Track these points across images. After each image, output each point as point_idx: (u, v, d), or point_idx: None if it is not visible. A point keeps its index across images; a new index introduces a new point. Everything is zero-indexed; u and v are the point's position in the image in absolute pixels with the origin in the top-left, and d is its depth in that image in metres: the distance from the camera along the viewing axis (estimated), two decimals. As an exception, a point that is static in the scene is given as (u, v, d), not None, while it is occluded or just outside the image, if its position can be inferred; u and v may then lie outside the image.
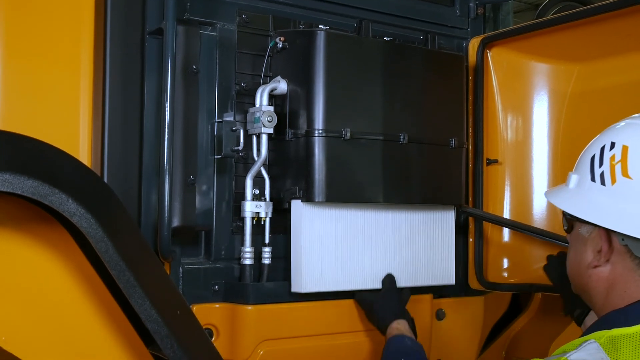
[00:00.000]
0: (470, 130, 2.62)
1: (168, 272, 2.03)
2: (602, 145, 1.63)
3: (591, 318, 2.16)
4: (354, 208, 2.24)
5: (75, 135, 1.90)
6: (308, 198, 2.13)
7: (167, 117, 1.94)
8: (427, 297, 2.44)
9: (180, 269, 2.07)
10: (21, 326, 1.73)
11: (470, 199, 2.64)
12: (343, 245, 2.20)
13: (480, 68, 2.59)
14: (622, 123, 1.68)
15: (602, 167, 1.61)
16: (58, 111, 1.89)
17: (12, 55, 1.82)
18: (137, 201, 2.00)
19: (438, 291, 2.51)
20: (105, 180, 1.91)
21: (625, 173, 1.57)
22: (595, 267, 1.62)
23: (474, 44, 2.62)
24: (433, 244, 2.41)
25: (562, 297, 2.26)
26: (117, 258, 1.65)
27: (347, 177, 2.19)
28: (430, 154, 2.36)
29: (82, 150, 1.91)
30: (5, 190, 1.52)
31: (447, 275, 2.45)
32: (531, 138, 2.62)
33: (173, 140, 1.96)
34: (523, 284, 2.53)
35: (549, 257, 2.30)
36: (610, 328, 1.52)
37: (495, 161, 2.63)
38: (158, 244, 1.95)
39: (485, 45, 2.58)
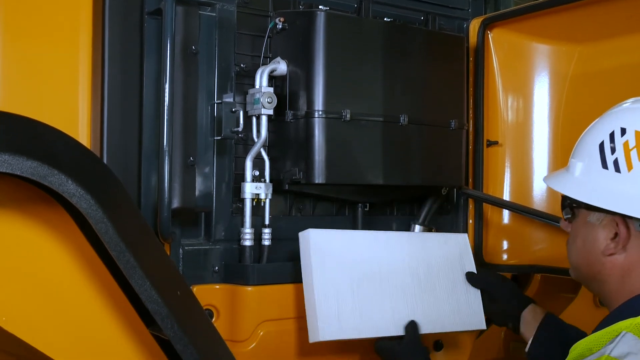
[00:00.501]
0: (471, 112, 2.61)
1: (168, 254, 2.03)
2: (610, 132, 1.62)
3: (526, 325, 2.17)
4: (366, 249, 2.13)
5: (75, 116, 1.90)
6: (308, 179, 2.13)
7: (167, 98, 1.94)
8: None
9: (180, 250, 2.08)
10: (21, 307, 1.73)
11: (470, 180, 2.64)
12: (360, 292, 2.07)
13: (480, 49, 2.58)
14: (626, 107, 1.67)
15: (615, 153, 1.61)
16: (57, 92, 1.88)
17: (10, 36, 1.80)
18: (137, 183, 2.00)
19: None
20: (105, 161, 1.91)
21: None
22: (611, 254, 1.62)
23: (474, 25, 2.60)
24: (455, 285, 2.25)
25: (492, 315, 2.27)
26: (117, 239, 1.65)
27: (347, 159, 2.19)
28: (430, 136, 2.36)
29: (82, 131, 1.90)
30: (4, 171, 1.51)
31: (477, 320, 2.26)
32: (532, 120, 2.62)
33: (172, 122, 1.95)
34: (523, 265, 2.54)
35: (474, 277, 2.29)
36: (636, 315, 1.52)
37: (496, 143, 2.62)
38: (158, 225, 1.95)
39: (486, 26, 2.57)
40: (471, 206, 2.65)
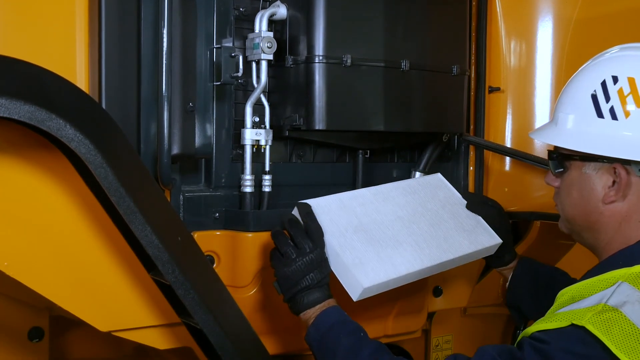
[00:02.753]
0: (473, 58, 2.59)
1: (169, 200, 2.03)
2: (601, 81, 1.64)
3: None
4: (362, 207, 2.07)
5: (72, 61, 1.88)
6: (308, 125, 2.12)
7: (165, 44, 1.91)
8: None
9: (181, 196, 2.07)
10: (23, 252, 1.74)
11: (472, 127, 2.63)
12: (375, 244, 2.00)
13: (484, -7, 2.55)
14: (613, 55, 1.69)
15: (611, 101, 1.63)
16: (54, 36, 1.85)
17: (5, -22, 1.78)
18: (136, 129, 1.98)
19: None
20: (104, 107, 1.89)
21: (639, 103, 1.60)
22: (611, 202, 1.64)
23: (478, -32, 2.56)
24: (455, 216, 2.22)
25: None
26: (117, 184, 1.64)
27: (347, 105, 2.17)
28: (431, 81, 2.34)
29: (79, 76, 1.88)
30: (1, 115, 1.50)
31: (490, 237, 2.22)
32: (534, 65, 2.59)
33: (171, 67, 1.93)
34: (522, 212, 2.55)
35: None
36: (630, 264, 1.55)
37: (498, 89, 2.61)
38: (158, 172, 1.94)
39: (489, -31, 2.52)
40: (472, 153, 2.65)
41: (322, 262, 1.86)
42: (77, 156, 1.62)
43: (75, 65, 1.89)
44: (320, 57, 2.10)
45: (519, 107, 2.62)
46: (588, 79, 1.69)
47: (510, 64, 2.61)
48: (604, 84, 1.64)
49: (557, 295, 1.65)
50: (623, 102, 1.61)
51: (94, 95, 1.88)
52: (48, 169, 1.74)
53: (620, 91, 1.62)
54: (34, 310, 2.31)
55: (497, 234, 2.23)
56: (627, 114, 1.61)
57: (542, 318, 1.56)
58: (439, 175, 2.36)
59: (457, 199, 2.28)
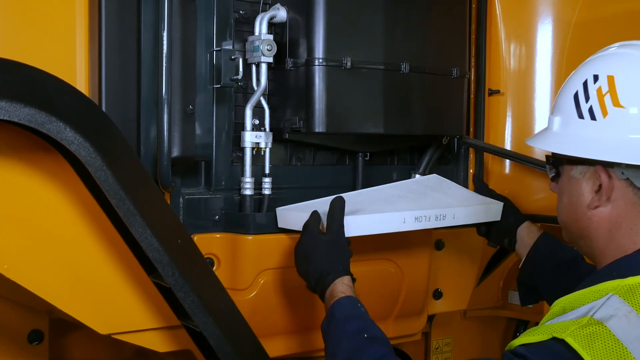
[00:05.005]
0: (473, 60, 2.59)
1: (169, 203, 2.03)
2: (583, 81, 1.59)
3: (521, 243, 2.22)
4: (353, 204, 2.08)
5: (72, 63, 1.88)
6: (308, 128, 2.12)
7: (165, 46, 1.91)
8: (427, 227, 2.44)
9: (181, 199, 2.07)
10: (23, 254, 1.74)
11: (472, 129, 2.63)
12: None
13: (483, -5, 2.55)
14: (597, 55, 1.64)
15: (590, 101, 1.58)
16: (54, 39, 1.85)
17: (6, -19, 1.78)
18: (136, 132, 1.98)
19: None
20: (104, 110, 1.89)
21: (616, 103, 1.54)
22: (596, 207, 1.58)
23: (477, -29, 2.56)
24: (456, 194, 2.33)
25: (488, 231, 2.35)
26: (117, 187, 1.64)
27: (347, 107, 2.17)
28: (431, 84, 2.34)
29: (79, 78, 1.88)
30: (2, 118, 1.50)
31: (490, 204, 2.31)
32: (534, 68, 2.59)
33: (171, 69, 1.93)
34: (523, 214, 2.54)
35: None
36: (623, 276, 1.48)
37: (497, 92, 2.61)
38: (158, 174, 1.94)
39: (489, -28, 2.53)
40: (472, 156, 2.65)
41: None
42: (77, 159, 1.62)
43: (75, 67, 1.89)
44: (320, 60, 2.10)
45: (519, 110, 2.62)
46: (573, 79, 1.64)
47: (510, 66, 2.61)
48: (585, 84, 1.59)
49: (552, 305, 1.57)
50: (601, 102, 1.55)
51: (94, 98, 1.88)
52: (48, 172, 1.74)
53: (599, 90, 1.56)
54: (34, 312, 2.31)
55: (507, 219, 2.28)
56: (604, 113, 1.55)
57: (530, 329, 1.50)
58: (434, 175, 2.41)
59: (458, 187, 2.34)
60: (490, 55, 2.60)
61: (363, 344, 1.67)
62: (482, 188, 2.43)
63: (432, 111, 2.38)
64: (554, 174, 1.70)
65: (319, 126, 2.12)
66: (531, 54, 2.59)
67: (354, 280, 1.85)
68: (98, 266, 1.85)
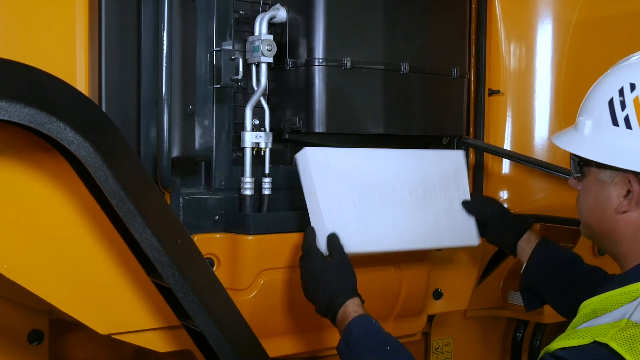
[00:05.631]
0: (473, 60, 2.59)
1: (169, 203, 2.03)
2: (619, 88, 1.58)
3: (522, 252, 2.23)
4: (364, 165, 2.14)
5: (72, 64, 1.88)
6: (308, 128, 2.12)
7: (165, 46, 1.91)
8: (427, 227, 2.44)
9: (181, 199, 2.07)
10: (23, 254, 1.74)
11: (472, 129, 2.63)
12: (362, 207, 2.09)
13: (483, -5, 2.55)
14: (634, 61, 1.62)
15: (626, 110, 1.57)
16: (54, 39, 1.86)
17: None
18: (136, 132, 1.98)
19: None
20: (103, 110, 1.89)
21: None
22: (624, 212, 1.59)
23: (477, -29, 2.56)
24: (451, 202, 2.28)
25: (489, 241, 2.34)
26: (117, 187, 1.64)
27: (347, 108, 2.17)
28: (431, 84, 2.34)
29: (79, 79, 1.89)
30: (2, 118, 1.50)
31: (470, 236, 2.29)
32: (534, 68, 2.59)
33: (171, 70, 1.93)
34: (522, 214, 2.54)
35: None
36: None
37: (498, 92, 2.61)
38: (158, 175, 1.94)
39: (489, -28, 2.53)
40: (472, 156, 2.65)
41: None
42: (77, 159, 1.62)
43: (75, 67, 1.89)
44: (320, 60, 2.10)
45: (519, 110, 2.62)
46: (608, 84, 1.63)
47: (510, 66, 2.61)
48: (621, 91, 1.58)
49: (580, 307, 1.59)
50: (638, 111, 1.55)
51: (94, 98, 1.88)
52: (48, 172, 1.74)
53: (636, 99, 1.55)
54: (34, 312, 2.31)
55: (496, 230, 2.27)
56: None
57: (563, 334, 1.51)
58: (461, 153, 2.37)
59: (462, 185, 2.30)
60: (490, 55, 2.60)
61: (388, 356, 1.71)
62: (474, 201, 2.34)
63: (432, 111, 2.37)
64: (579, 174, 1.71)
65: (319, 126, 2.12)
66: (531, 54, 2.59)
67: (362, 301, 1.89)
68: (98, 266, 1.85)
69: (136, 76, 1.96)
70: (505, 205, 2.58)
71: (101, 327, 1.89)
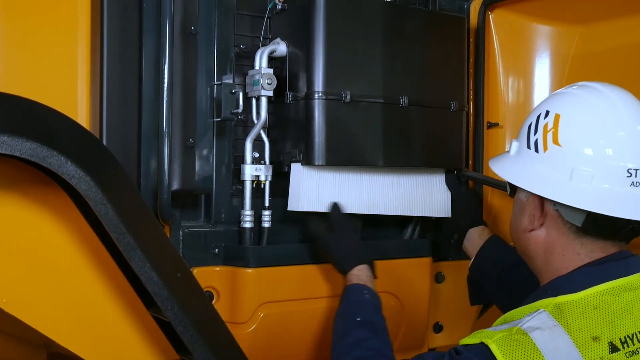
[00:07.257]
0: (471, 93, 2.61)
1: (168, 236, 2.03)
2: (538, 114, 1.69)
3: (470, 242, 2.34)
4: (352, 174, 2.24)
5: (73, 97, 1.88)
6: (308, 161, 2.12)
7: (166, 80, 1.92)
8: (427, 260, 2.44)
9: (181, 232, 2.07)
10: (22, 289, 1.73)
11: (471, 162, 2.64)
12: (340, 177, 2.22)
13: (481, 30, 2.57)
14: (560, 91, 1.74)
15: (537, 134, 1.67)
16: (55, 73, 1.86)
17: (7, 15, 1.79)
18: (137, 165, 1.99)
19: (437, 254, 2.52)
20: (104, 143, 1.90)
21: (555, 141, 1.63)
22: (532, 230, 1.69)
23: (475, 6, 2.59)
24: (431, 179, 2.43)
25: (444, 221, 2.46)
26: (117, 220, 1.64)
27: (347, 140, 2.18)
28: (430, 117, 2.35)
29: (80, 112, 1.88)
30: (3, 152, 1.51)
31: (444, 209, 2.44)
32: (532, 101, 2.61)
33: (172, 103, 1.94)
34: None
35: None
36: (555, 295, 1.59)
37: (496, 124, 2.62)
38: (158, 207, 1.95)
39: (487, 6, 2.55)
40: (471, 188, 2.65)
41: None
42: (77, 192, 1.62)
43: (76, 101, 1.89)
44: (320, 94, 2.11)
45: (517, 143, 2.63)
46: (535, 111, 1.74)
47: (508, 99, 2.63)
48: (538, 117, 1.68)
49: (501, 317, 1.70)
50: (544, 137, 1.65)
51: (95, 131, 1.89)
52: (48, 205, 1.74)
53: (545, 126, 1.65)
54: (32, 346, 2.29)
55: (458, 209, 2.41)
56: (545, 148, 1.64)
57: (474, 332, 1.61)
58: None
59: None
60: (489, 88, 2.62)
61: (352, 325, 1.87)
62: (455, 185, 2.47)
63: (431, 144, 2.38)
64: (510, 192, 1.81)
65: (319, 159, 2.13)
66: (529, 87, 2.61)
67: (372, 266, 2.07)
68: (97, 300, 1.84)
69: (137, 109, 1.97)
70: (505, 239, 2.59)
71: (99, 362, 1.87)
